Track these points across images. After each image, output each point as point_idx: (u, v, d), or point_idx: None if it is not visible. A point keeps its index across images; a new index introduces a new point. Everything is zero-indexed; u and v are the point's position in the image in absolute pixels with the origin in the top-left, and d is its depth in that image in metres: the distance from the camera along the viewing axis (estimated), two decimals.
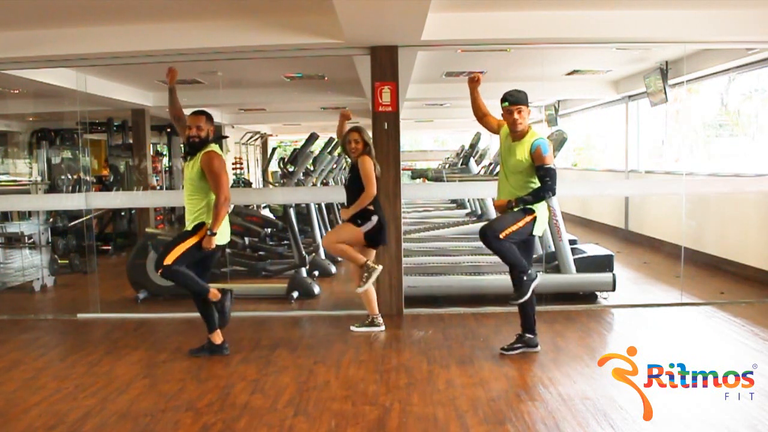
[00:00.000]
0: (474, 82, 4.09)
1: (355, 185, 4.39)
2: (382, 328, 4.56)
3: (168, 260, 3.83)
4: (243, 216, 7.07)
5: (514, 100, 3.72)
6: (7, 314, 5.34)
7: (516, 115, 3.72)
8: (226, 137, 4.00)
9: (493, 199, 4.12)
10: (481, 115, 4.14)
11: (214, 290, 3.97)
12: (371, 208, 4.38)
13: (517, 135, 3.80)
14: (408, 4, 3.79)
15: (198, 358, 3.97)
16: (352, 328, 4.58)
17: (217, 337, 4.02)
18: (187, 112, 4.16)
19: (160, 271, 3.87)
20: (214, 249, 3.94)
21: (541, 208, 3.81)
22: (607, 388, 3.36)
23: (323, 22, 4.54)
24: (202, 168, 3.87)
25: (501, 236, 3.69)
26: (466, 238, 7.30)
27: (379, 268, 4.44)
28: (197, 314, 4.06)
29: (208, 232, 3.85)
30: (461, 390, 3.38)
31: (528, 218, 3.75)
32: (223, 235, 3.99)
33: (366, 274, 4.39)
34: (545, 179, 3.66)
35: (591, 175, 11.09)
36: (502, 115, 3.83)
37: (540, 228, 3.85)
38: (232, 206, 7.30)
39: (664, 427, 2.90)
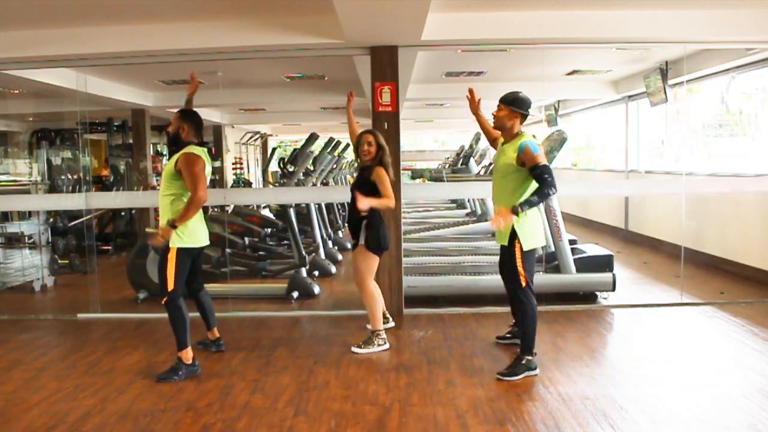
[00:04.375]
0: (475, 106, 4.16)
1: (362, 191, 3.97)
2: (386, 346, 4.15)
3: (170, 286, 3.67)
4: (243, 216, 7.08)
5: (501, 98, 3.71)
6: (7, 314, 5.34)
7: (495, 111, 3.71)
8: (208, 143, 3.89)
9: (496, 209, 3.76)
10: (491, 140, 4.16)
11: (189, 352, 3.76)
12: (365, 214, 4.05)
13: (507, 137, 3.74)
14: (408, 4, 3.79)
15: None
16: (354, 349, 4.13)
17: (188, 355, 3.77)
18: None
19: (164, 300, 3.69)
20: (196, 252, 3.86)
21: (523, 224, 3.59)
22: (607, 388, 3.37)
23: (323, 22, 4.54)
24: (179, 167, 3.67)
25: (523, 284, 3.60)
26: (466, 238, 7.31)
27: (386, 345, 4.14)
28: (195, 314, 4.04)
29: (168, 223, 3.61)
30: (461, 390, 3.39)
31: (517, 246, 3.59)
32: (198, 238, 3.81)
33: (369, 341, 4.13)
34: (543, 176, 3.44)
35: (591, 175, 11.10)
36: None
37: (535, 240, 3.65)
38: (232, 206, 7.35)
39: (664, 427, 2.90)
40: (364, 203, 3.86)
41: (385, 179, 4.03)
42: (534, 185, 3.54)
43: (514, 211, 3.44)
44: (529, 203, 3.47)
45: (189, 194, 3.69)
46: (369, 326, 4.29)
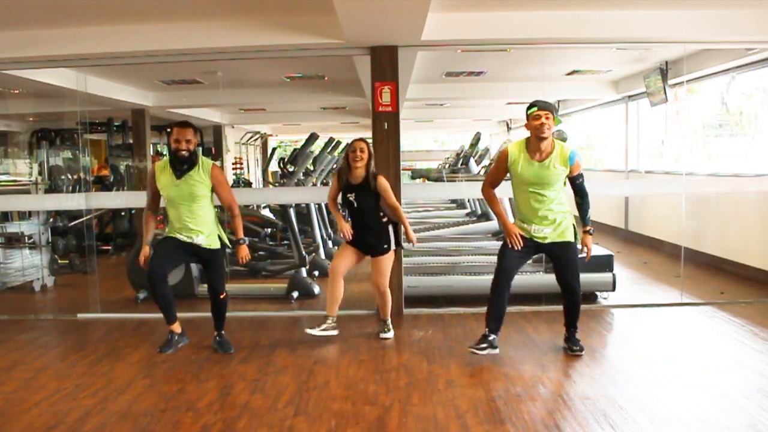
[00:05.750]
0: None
1: (370, 204, 4.27)
2: (335, 332, 4.37)
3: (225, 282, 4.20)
4: (243, 216, 7.06)
5: (543, 105, 3.76)
6: (7, 314, 5.34)
7: (545, 120, 3.72)
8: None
9: (522, 227, 3.95)
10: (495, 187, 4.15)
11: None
12: (385, 219, 4.33)
13: (542, 146, 3.78)
14: (408, 4, 3.79)
15: (197, 358, 3.97)
16: (382, 335, 4.43)
17: (177, 328, 4.19)
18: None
19: (223, 296, 4.10)
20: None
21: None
22: (607, 388, 3.37)
23: (323, 22, 4.54)
24: (214, 182, 4.05)
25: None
26: (466, 238, 7.30)
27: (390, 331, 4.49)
28: (196, 314, 4.09)
29: (241, 241, 4.09)
30: (461, 390, 3.39)
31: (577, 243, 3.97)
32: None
33: (386, 327, 4.47)
34: (584, 185, 3.98)
35: (591, 175, 11.03)
36: (528, 124, 3.80)
37: None
38: None
39: (664, 427, 2.90)
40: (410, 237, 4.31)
41: (389, 187, 4.30)
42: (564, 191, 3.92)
43: (590, 233, 4.04)
44: (589, 219, 4.04)
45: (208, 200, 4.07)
46: (379, 331, 4.51)
